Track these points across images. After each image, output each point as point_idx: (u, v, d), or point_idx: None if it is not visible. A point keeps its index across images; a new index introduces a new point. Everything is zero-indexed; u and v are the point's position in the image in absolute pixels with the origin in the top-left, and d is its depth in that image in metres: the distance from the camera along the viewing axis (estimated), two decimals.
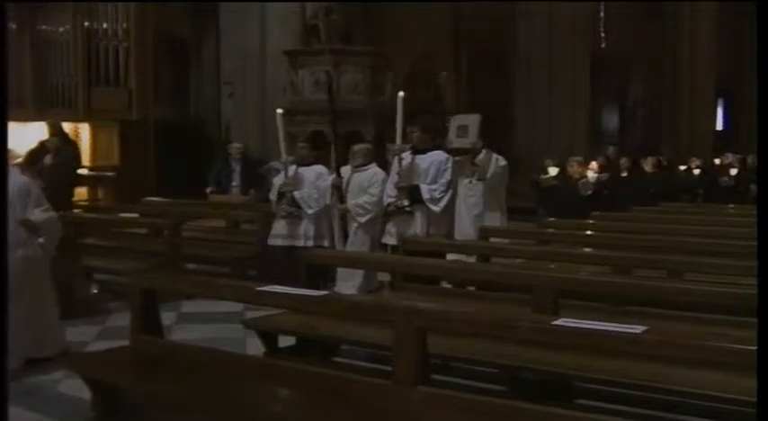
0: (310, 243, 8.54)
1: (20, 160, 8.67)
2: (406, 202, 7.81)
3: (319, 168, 8.82)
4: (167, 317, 6.60)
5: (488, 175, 8.72)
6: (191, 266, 9.19)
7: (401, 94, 7.83)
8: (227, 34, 16.81)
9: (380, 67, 15.04)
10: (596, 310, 5.10)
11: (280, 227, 8.69)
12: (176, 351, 4.76)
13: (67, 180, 10.83)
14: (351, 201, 8.21)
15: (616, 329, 3.29)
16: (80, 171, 12.74)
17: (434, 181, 7.90)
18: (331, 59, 14.52)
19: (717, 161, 17.44)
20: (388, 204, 7.95)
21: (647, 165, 14.45)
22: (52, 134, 11.42)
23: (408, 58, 18.01)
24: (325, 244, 8.64)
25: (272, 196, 8.81)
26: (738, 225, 8.19)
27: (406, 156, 8.05)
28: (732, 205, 11.82)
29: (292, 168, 8.68)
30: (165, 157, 15.57)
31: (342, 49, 14.80)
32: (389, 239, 7.98)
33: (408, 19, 18.09)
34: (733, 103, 27.81)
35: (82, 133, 14.74)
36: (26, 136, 13.04)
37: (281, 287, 4.58)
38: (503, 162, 8.84)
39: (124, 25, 15.01)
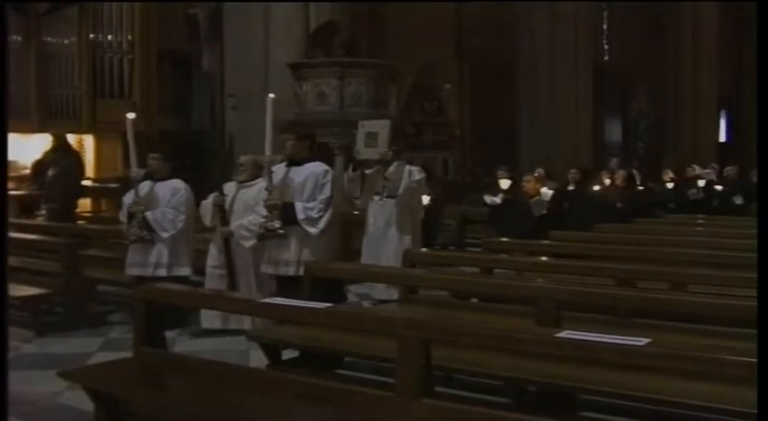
0: (163, 272, 7.32)
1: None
2: (277, 224, 6.61)
3: (176, 183, 7.61)
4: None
5: (400, 191, 7.68)
6: (195, 278, 9.19)
7: (271, 96, 6.64)
8: (231, 46, 16.86)
9: (384, 79, 15.10)
10: (599, 323, 5.10)
11: (133, 253, 7.48)
12: (179, 363, 4.75)
13: (69, 191, 10.80)
14: (234, 223, 7.09)
15: (619, 342, 3.28)
16: (84, 182, 12.77)
17: (312, 198, 6.71)
18: (335, 72, 14.57)
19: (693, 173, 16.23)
20: (259, 226, 6.83)
21: (618, 178, 12.93)
22: (55, 145, 11.44)
23: (412, 70, 18.07)
24: (184, 273, 7.47)
25: (122, 217, 7.59)
26: (739, 237, 8.19)
27: (280, 169, 6.89)
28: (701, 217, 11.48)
29: (146, 184, 7.55)
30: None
31: (346, 61, 14.85)
32: (266, 267, 6.94)
33: (412, 32, 18.17)
34: (736, 115, 27.85)
35: (86, 145, 14.79)
36: (30, 148, 13.10)
37: (284, 299, 4.58)
38: (417, 175, 7.83)
39: (129, 37, 15.07)
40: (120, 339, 7.01)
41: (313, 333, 5.29)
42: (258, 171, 7.29)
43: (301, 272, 6.32)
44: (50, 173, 10.74)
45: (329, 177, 6.81)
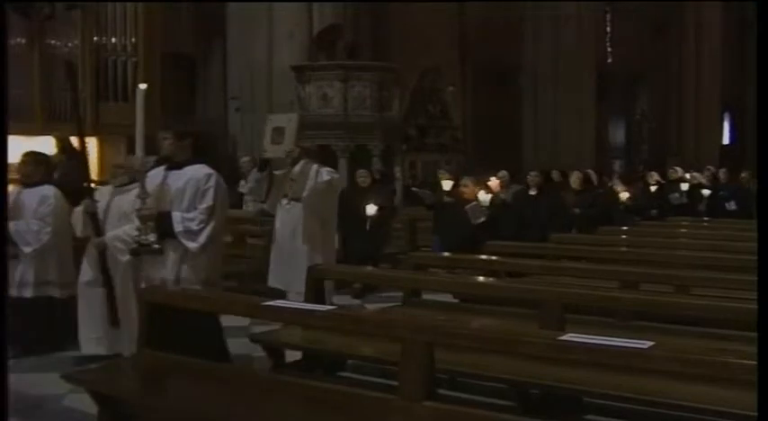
0: (28, 292, 6.58)
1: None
2: (152, 237, 5.47)
3: (45, 190, 6.77)
4: None
5: (305, 194, 6.92)
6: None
7: (142, 86, 5.72)
8: (235, 49, 16.89)
9: (388, 82, 15.10)
10: (603, 325, 5.10)
11: None
12: (182, 365, 4.75)
13: (70, 193, 10.77)
14: (109, 233, 6.14)
15: (623, 344, 3.28)
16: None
17: (192, 207, 5.54)
18: (338, 75, 14.59)
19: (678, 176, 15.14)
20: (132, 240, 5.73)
21: (574, 180, 11.35)
22: (59, 148, 11.44)
23: (415, 73, 18.08)
24: (54, 293, 6.73)
25: None
26: (742, 239, 8.18)
27: (157, 172, 5.78)
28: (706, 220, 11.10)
29: (13, 191, 6.73)
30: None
31: (349, 64, 14.86)
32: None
33: (415, 35, 18.17)
34: (739, 117, 27.86)
35: (89, 148, 14.79)
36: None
37: (288, 301, 4.59)
38: (326, 176, 7.03)
39: (132, 40, 15.08)
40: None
41: (316, 336, 5.29)
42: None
43: None
44: (55, 176, 10.76)
45: (212, 183, 5.62)
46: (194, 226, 5.48)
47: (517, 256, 7.68)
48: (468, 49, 21.14)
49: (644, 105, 26.81)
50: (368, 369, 5.59)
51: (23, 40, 14.13)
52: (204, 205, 5.53)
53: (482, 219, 8.86)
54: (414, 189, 11.50)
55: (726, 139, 28.21)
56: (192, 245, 5.47)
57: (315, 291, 5.99)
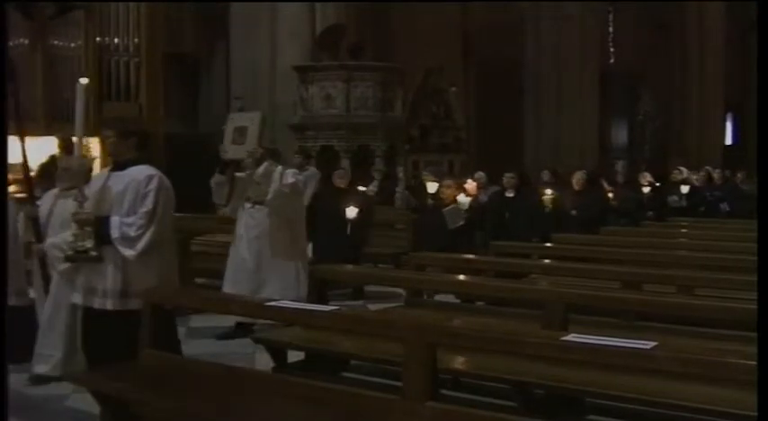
0: None
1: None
2: (89, 244, 5.01)
3: None
4: None
5: (268, 197, 6.67)
6: (200, 281, 9.19)
7: (83, 80, 5.36)
8: (238, 49, 16.90)
9: (391, 82, 15.12)
10: (606, 326, 5.10)
11: None
12: (185, 366, 4.75)
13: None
14: (49, 240, 5.75)
15: (627, 345, 3.28)
16: None
17: (132, 211, 5.05)
18: (341, 75, 14.61)
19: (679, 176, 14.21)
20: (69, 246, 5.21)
21: (576, 181, 10.82)
22: (62, 148, 11.46)
23: (418, 73, 18.08)
24: (10, 301, 5.92)
25: None
26: (745, 240, 8.17)
27: (101, 174, 5.45)
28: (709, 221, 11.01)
29: None
30: (174, 172, 15.54)
31: (352, 64, 14.88)
32: (75, 296, 5.23)
33: (418, 35, 18.19)
34: (742, 117, 27.85)
35: (92, 148, 14.79)
36: (36, 150, 13.10)
37: (290, 301, 4.59)
38: (291, 178, 6.77)
39: (135, 40, 15.09)
40: None
41: (319, 336, 5.29)
42: (84, 176, 5.60)
43: (128, 305, 4.99)
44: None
45: (153, 185, 5.12)
46: (132, 232, 5.00)
47: (518, 257, 7.70)
48: (471, 49, 21.15)
49: (646, 105, 26.79)
50: (370, 369, 5.59)
51: (26, 41, 14.14)
52: (144, 209, 5.05)
53: (461, 223, 8.51)
54: (397, 191, 11.30)
55: (729, 140, 28.19)
56: (128, 252, 4.99)
57: (317, 292, 5.99)
